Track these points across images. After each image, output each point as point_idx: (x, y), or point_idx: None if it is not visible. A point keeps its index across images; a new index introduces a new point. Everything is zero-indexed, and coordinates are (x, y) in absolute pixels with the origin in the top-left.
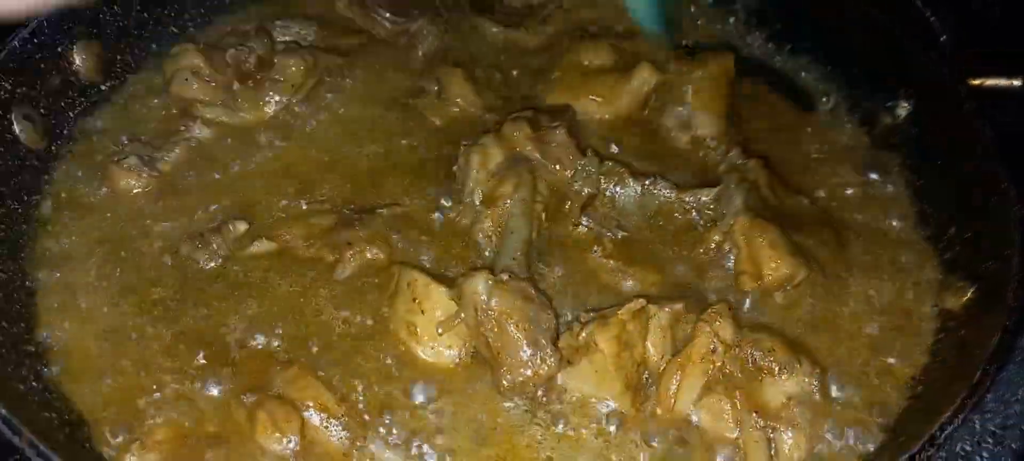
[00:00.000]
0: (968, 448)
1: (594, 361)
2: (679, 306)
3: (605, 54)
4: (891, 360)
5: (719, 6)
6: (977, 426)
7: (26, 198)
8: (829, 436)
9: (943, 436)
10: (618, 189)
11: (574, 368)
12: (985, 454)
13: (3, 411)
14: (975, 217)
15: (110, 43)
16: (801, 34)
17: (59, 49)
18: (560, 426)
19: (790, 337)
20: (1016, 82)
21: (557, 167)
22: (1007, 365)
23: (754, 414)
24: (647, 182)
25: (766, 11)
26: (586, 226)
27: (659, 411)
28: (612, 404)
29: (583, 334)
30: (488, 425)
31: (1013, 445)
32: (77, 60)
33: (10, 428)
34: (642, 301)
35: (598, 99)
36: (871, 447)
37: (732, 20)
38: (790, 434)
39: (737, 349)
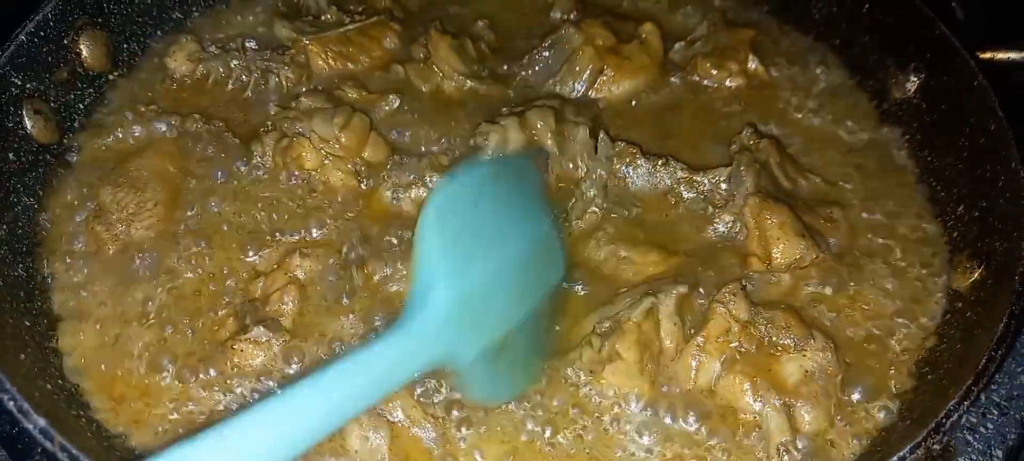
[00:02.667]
0: (973, 420)
1: (618, 369)
2: (683, 289)
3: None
4: (898, 340)
5: None
6: (982, 398)
7: (40, 192)
8: (839, 414)
9: (949, 423)
10: (629, 169)
11: (599, 377)
12: (990, 425)
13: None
14: (984, 195)
15: (115, 31)
16: (810, 6)
17: (65, 41)
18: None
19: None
20: None
21: (570, 165)
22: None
23: (772, 391)
24: (659, 162)
25: None
26: (596, 208)
27: (679, 392)
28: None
29: (604, 349)
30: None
31: (1018, 416)
32: (83, 50)
33: (44, 435)
34: (652, 300)
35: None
36: (879, 426)
37: None
38: (808, 409)
39: (752, 327)
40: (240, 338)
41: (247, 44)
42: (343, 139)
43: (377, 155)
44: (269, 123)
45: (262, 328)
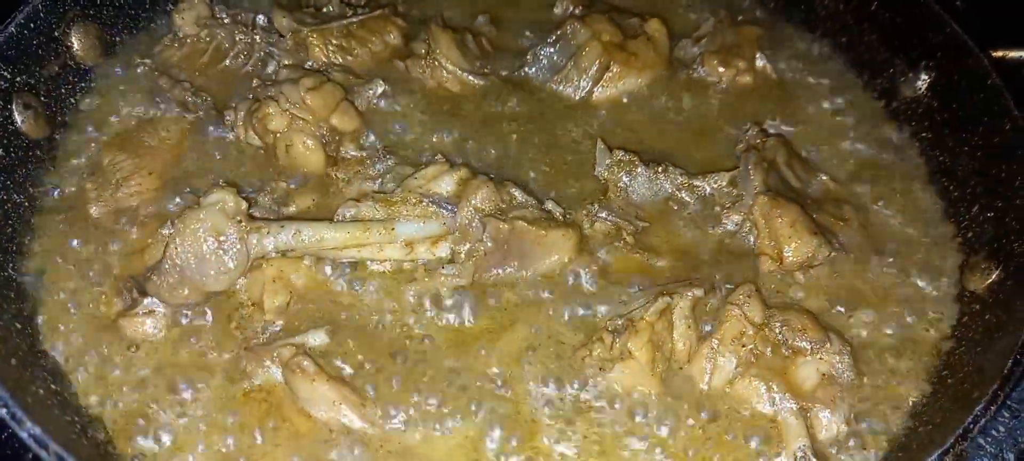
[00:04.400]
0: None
1: (629, 366)
2: (699, 292)
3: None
4: (916, 342)
5: None
6: None
7: (31, 189)
8: (858, 418)
9: (977, 428)
10: (629, 178)
11: (610, 374)
12: (1002, 429)
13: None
14: (1000, 195)
15: (107, 23)
16: (817, 4)
17: (56, 33)
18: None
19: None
20: None
21: None
22: None
23: (788, 395)
24: (658, 169)
25: None
26: (605, 220)
27: (692, 395)
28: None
29: (617, 346)
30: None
31: None
32: (74, 43)
33: (37, 442)
34: (666, 300)
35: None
36: (899, 431)
37: None
38: (826, 413)
39: (767, 329)
40: None
41: (258, 20)
42: (309, 100)
43: (346, 124)
44: (250, 95)
45: None
